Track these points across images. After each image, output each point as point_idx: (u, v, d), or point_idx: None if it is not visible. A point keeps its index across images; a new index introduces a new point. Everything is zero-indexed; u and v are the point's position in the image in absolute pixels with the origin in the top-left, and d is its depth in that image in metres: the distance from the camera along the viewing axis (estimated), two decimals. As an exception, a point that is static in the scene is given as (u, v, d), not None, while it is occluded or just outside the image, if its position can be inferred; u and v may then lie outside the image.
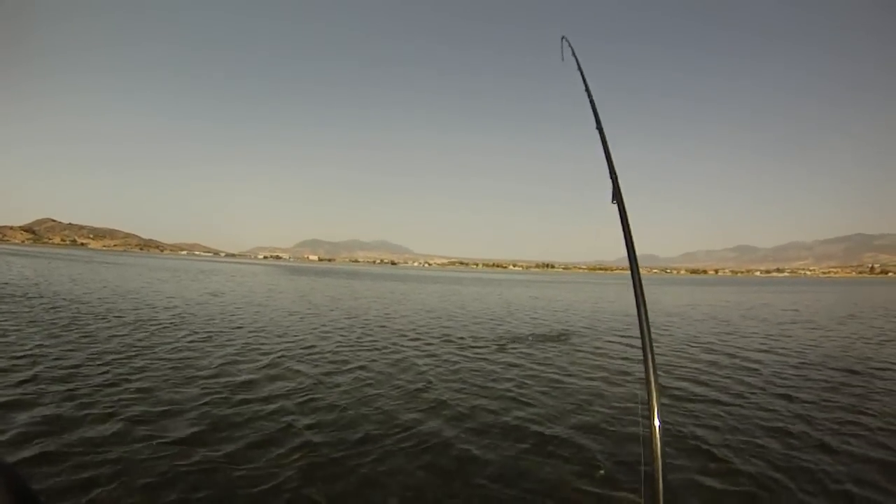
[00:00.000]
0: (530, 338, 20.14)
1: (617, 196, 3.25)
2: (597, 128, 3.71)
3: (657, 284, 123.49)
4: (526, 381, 12.57)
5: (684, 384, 12.56)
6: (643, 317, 2.61)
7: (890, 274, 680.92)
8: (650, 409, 2.40)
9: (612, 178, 3.37)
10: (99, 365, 12.07)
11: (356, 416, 9.23)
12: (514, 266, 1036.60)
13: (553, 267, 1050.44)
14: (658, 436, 2.33)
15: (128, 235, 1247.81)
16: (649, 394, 2.43)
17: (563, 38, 5.18)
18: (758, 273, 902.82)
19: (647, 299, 2.77)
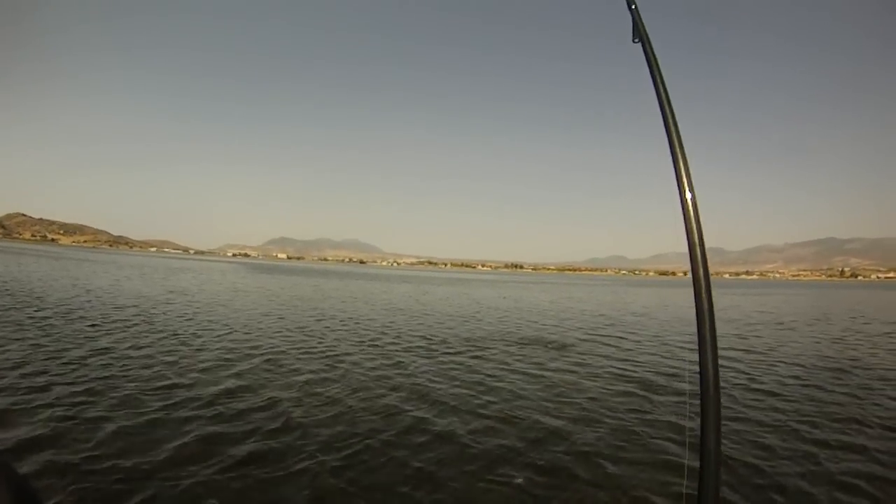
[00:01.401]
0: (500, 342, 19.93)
1: (640, 34, 2.58)
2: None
3: (624, 286, 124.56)
4: (492, 385, 12.36)
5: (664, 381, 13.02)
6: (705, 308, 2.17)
7: (860, 277, 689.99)
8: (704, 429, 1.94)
9: (630, 9, 2.66)
10: (61, 365, 11.87)
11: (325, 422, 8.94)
12: (483, 266, 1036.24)
13: (522, 267, 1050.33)
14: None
15: (98, 232, 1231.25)
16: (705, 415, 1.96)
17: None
18: (727, 275, 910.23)
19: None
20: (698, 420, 2.04)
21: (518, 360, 15.65)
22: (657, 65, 2.45)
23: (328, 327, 20.88)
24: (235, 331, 18.47)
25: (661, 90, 2.37)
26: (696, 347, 2.11)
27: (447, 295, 49.53)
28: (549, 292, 67.19)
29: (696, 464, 1.99)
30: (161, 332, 17.25)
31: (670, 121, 2.30)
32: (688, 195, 2.26)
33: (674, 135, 2.29)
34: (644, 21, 2.57)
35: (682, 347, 19.47)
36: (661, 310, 40.24)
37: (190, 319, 20.83)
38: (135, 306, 23.86)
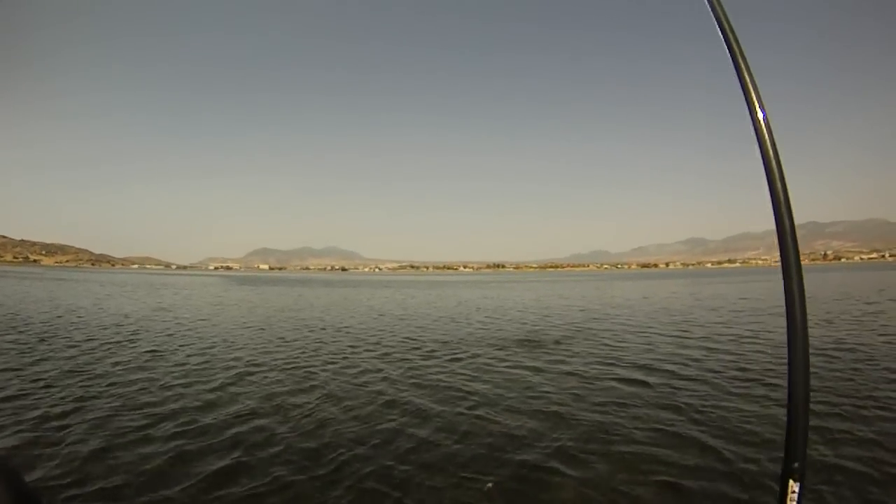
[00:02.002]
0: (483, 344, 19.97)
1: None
2: None
3: (608, 280, 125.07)
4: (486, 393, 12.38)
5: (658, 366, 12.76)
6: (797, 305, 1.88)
7: (843, 260, 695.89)
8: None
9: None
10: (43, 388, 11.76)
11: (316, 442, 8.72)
12: (465, 267, 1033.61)
13: (504, 267, 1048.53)
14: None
15: (80, 251, 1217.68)
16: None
17: None
18: (709, 265, 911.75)
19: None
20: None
21: (504, 361, 15.73)
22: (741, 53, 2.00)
23: (310, 338, 20.78)
24: (216, 346, 18.39)
25: (745, 72, 1.95)
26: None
27: (429, 299, 49.40)
28: (532, 291, 67.50)
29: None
30: (142, 350, 17.18)
31: (756, 109, 1.93)
32: (779, 185, 1.91)
33: (763, 130, 1.92)
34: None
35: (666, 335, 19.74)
36: (642, 302, 40.73)
37: (171, 335, 20.81)
38: (117, 325, 23.72)
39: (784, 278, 1.93)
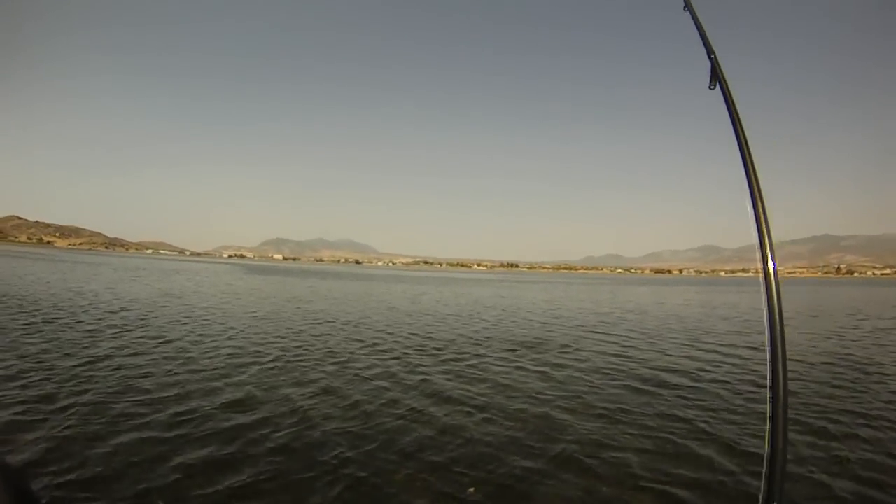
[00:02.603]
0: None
1: (719, 78, 2.71)
2: (685, 9, 3.17)
3: (621, 284, 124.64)
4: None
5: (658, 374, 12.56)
6: (775, 310, 2.20)
7: (856, 274, 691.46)
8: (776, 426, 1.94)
9: (710, 58, 2.80)
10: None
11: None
12: (479, 265, 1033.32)
13: (517, 266, 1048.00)
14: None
15: (94, 234, 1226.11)
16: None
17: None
18: (722, 273, 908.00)
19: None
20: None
21: (510, 362, 15.62)
22: (737, 112, 2.57)
23: (324, 332, 20.42)
24: (230, 336, 18.01)
25: (741, 136, 2.50)
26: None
27: (445, 296, 49.22)
28: (548, 291, 67.11)
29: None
30: (154, 337, 16.91)
31: (750, 166, 2.43)
32: (760, 205, 2.43)
33: (753, 182, 2.40)
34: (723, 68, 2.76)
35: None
36: (656, 307, 40.43)
37: (185, 324, 20.45)
38: (128, 310, 23.58)
39: (767, 316, 2.17)
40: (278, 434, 8.34)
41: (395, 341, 18.82)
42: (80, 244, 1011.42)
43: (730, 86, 2.67)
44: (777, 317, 2.16)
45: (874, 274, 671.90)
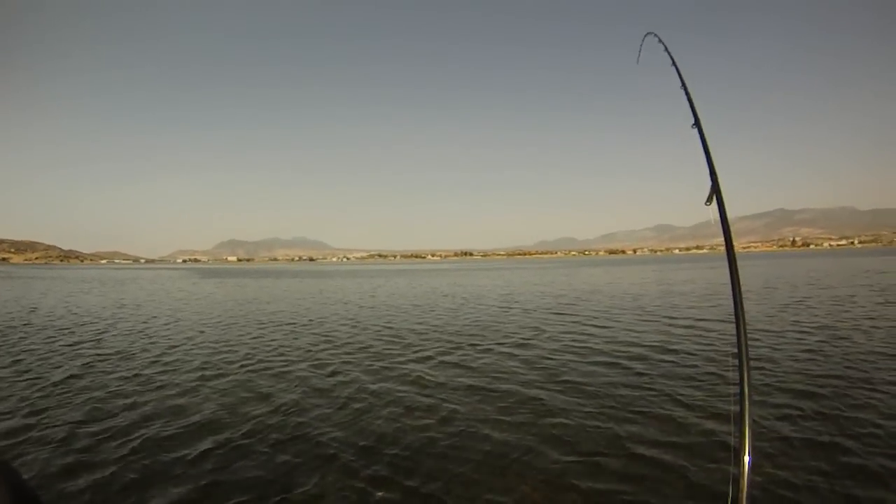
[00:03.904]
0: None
1: (717, 198, 2.88)
2: (693, 125, 3.27)
3: (575, 266, 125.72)
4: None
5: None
6: (740, 316, 2.46)
7: (812, 246, 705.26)
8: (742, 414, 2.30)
9: (711, 178, 2.94)
10: None
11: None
12: (433, 256, 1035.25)
13: (471, 255, 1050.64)
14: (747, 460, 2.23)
15: (48, 247, 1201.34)
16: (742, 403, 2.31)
17: (647, 34, 4.63)
18: (677, 251, 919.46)
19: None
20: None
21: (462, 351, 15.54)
22: (729, 229, 2.83)
23: (284, 334, 20.13)
24: (185, 348, 17.22)
25: (730, 246, 2.74)
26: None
27: (399, 288, 49.19)
28: (499, 278, 67.54)
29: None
30: (109, 354, 16.22)
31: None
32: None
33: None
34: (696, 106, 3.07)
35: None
36: (608, 286, 40.42)
37: (139, 333, 20.28)
38: (84, 325, 23.04)
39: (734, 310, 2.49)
40: (244, 453, 7.93)
41: (357, 337, 18.73)
42: (36, 258, 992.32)
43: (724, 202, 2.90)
44: (738, 295, 2.54)
45: (830, 245, 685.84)
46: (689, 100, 3.44)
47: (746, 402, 2.29)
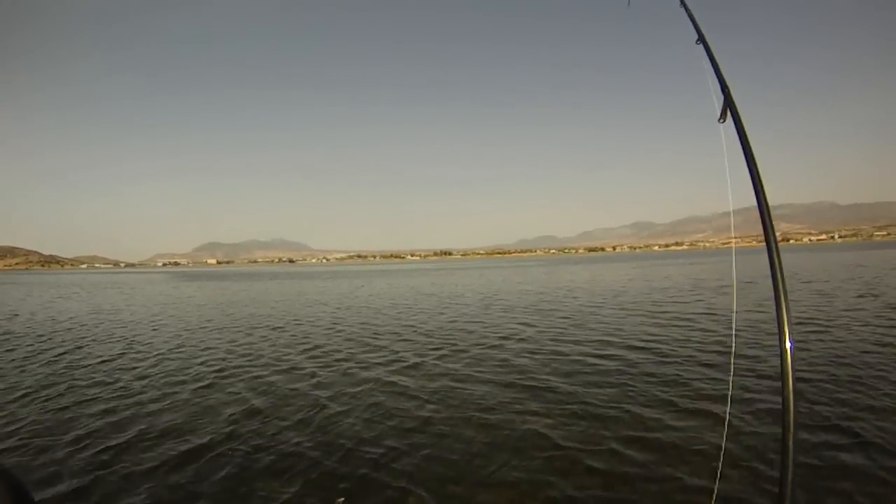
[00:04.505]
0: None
1: (731, 112, 2.64)
2: (697, 41, 3.13)
3: (555, 264, 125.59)
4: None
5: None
6: (777, 268, 2.17)
7: (791, 241, 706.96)
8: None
9: (723, 92, 2.74)
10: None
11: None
12: (412, 256, 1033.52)
13: (451, 254, 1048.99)
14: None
15: (29, 252, 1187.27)
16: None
17: None
18: (656, 248, 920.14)
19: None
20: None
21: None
22: (749, 146, 2.54)
23: (263, 337, 19.91)
24: (163, 354, 16.81)
25: (754, 170, 2.47)
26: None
27: (380, 289, 48.94)
28: (481, 277, 68.14)
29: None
30: (88, 357, 16.42)
31: (763, 200, 2.42)
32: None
33: (768, 222, 2.36)
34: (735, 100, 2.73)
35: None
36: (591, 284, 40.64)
37: (120, 339, 20.07)
38: (64, 331, 22.80)
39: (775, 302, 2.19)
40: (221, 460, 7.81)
41: (334, 339, 18.70)
42: (17, 264, 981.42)
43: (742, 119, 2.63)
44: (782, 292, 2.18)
45: (811, 240, 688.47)
46: (690, 15, 3.35)
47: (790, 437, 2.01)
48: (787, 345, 2.07)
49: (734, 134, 2.58)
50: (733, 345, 14.22)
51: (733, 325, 17.51)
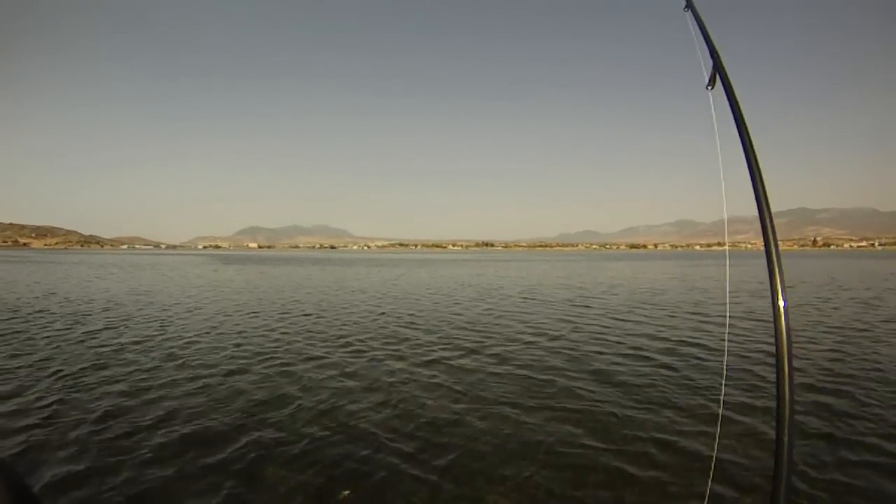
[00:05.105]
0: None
1: (721, 78, 2.55)
2: (685, 8, 2.99)
3: (598, 260, 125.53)
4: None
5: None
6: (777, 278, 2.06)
7: (832, 247, 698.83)
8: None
9: (712, 57, 2.64)
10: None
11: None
12: (454, 246, 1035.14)
13: (493, 246, 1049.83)
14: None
15: (69, 232, 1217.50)
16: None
17: None
18: (698, 247, 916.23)
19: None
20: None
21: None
22: (740, 112, 2.38)
23: (297, 324, 19.50)
24: (201, 334, 16.91)
25: (746, 136, 2.33)
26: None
27: (425, 278, 48.79)
28: (527, 269, 67.45)
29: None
30: (124, 339, 15.96)
31: (755, 166, 2.28)
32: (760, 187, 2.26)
33: (759, 182, 2.26)
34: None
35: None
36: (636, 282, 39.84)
37: (157, 321, 19.69)
38: (99, 312, 22.48)
39: (773, 311, 2.04)
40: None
41: (374, 328, 18.13)
42: (56, 243, 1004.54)
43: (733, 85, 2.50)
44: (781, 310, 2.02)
45: (851, 246, 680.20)
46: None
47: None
48: (781, 303, 2.03)
49: (723, 102, 2.52)
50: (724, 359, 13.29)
51: (726, 336, 16.70)
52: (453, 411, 9.01)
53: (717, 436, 7.61)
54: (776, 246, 2.09)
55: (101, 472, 6.57)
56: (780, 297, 1.99)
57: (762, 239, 2.14)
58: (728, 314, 21.23)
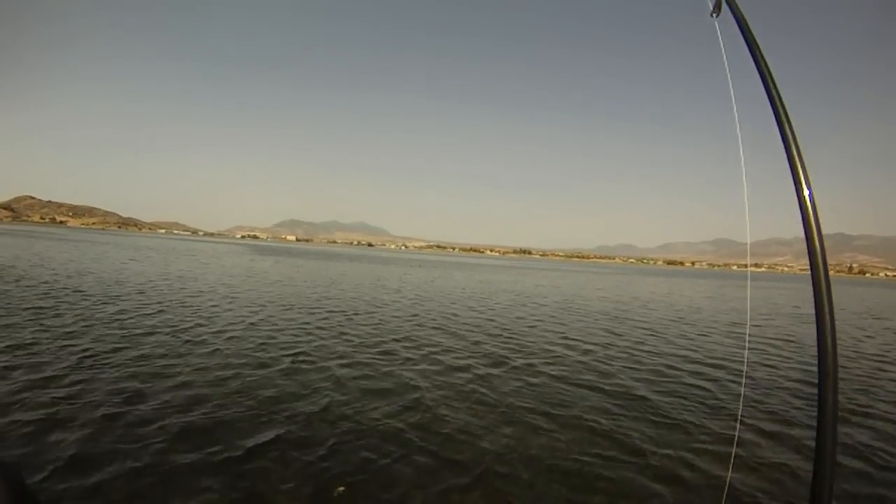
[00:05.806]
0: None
1: (727, 2, 2.33)
2: None
3: (635, 274, 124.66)
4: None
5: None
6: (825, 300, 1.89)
7: (868, 275, 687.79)
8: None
9: None
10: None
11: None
12: (492, 251, 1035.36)
13: (530, 253, 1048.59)
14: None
15: (107, 213, 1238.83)
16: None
17: None
18: (734, 267, 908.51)
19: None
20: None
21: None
22: (754, 37, 2.18)
23: (330, 319, 19.37)
24: (232, 325, 16.70)
25: (763, 66, 2.11)
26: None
27: (462, 281, 48.51)
28: (564, 279, 66.80)
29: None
30: (154, 324, 15.92)
31: (782, 113, 2.03)
32: (805, 192, 1.98)
33: (787, 127, 2.02)
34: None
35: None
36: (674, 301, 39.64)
37: (189, 308, 19.51)
38: (129, 294, 22.61)
39: (814, 294, 1.92)
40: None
41: (416, 332, 17.75)
42: (94, 223, 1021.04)
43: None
44: (828, 324, 1.87)
45: (886, 276, 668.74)
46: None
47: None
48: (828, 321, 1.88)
49: (731, 31, 2.31)
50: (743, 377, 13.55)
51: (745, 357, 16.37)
52: (477, 418, 8.92)
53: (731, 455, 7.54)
54: (821, 241, 1.91)
55: (118, 455, 6.53)
56: (826, 312, 1.84)
57: (801, 221, 1.94)
58: (748, 336, 20.87)
